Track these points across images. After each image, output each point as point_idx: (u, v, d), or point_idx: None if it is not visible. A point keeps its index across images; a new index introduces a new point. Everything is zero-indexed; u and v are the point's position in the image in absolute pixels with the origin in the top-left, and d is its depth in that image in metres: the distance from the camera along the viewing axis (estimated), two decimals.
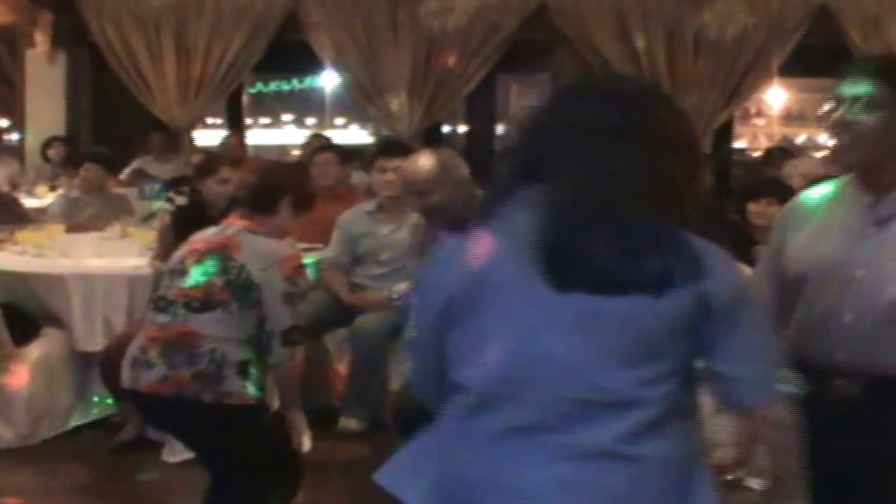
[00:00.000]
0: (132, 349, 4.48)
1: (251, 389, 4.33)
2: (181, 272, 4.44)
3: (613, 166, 2.30)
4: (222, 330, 4.32)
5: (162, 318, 4.41)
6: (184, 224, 6.17)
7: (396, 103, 11.91)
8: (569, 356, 2.30)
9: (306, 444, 5.82)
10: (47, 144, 12.15)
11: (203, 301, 4.34)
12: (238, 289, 4.34)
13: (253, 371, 4.35)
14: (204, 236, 4.59)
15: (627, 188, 2.29)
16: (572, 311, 2.29)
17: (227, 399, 4.28)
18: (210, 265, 4.39)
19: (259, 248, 4.44)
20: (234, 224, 4.54)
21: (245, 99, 14.78)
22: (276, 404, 5.02)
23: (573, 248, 2.28)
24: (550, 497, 2.32)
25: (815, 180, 3.68)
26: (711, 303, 2.33)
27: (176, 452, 6.09)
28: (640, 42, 11.71)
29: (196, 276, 4.39)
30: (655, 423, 2.31)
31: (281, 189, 4.60)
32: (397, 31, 11.87)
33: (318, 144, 9.87)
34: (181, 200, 7.36)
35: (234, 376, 4.28)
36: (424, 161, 5.00)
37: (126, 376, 4.43)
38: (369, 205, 7.13)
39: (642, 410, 2.30)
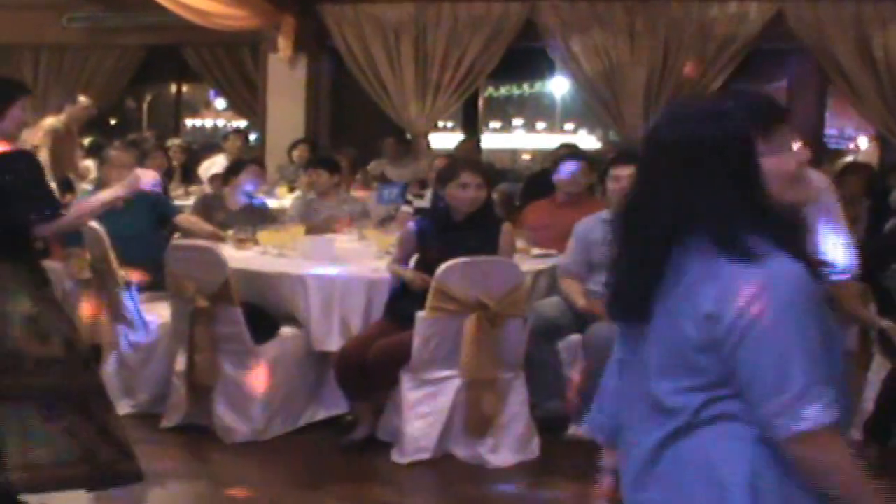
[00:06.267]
0: None
1: None
2: None
3: None
4: None
5: None
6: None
7: (631, 110, 11.87)
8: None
9: None
10: (293, 146, 12.48)
11: None
12: None
13: None
14: None
15: None
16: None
17: None
18: None
19: None
20: None
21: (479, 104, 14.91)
22: None
23: None
24: None
25: None
26: (717, 324, 2.30)
27: (405, 454, 6.17)
28: (878, 52, 11.37)
29: None
30: (685, 428, 2.40)
31: None
32: (634, 39, 11.83)
33: (566, 153, 9.64)
34: (420, 203, 7.39)
35: None
36: None
37: None
38: (607, 213, 7.04)
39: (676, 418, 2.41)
